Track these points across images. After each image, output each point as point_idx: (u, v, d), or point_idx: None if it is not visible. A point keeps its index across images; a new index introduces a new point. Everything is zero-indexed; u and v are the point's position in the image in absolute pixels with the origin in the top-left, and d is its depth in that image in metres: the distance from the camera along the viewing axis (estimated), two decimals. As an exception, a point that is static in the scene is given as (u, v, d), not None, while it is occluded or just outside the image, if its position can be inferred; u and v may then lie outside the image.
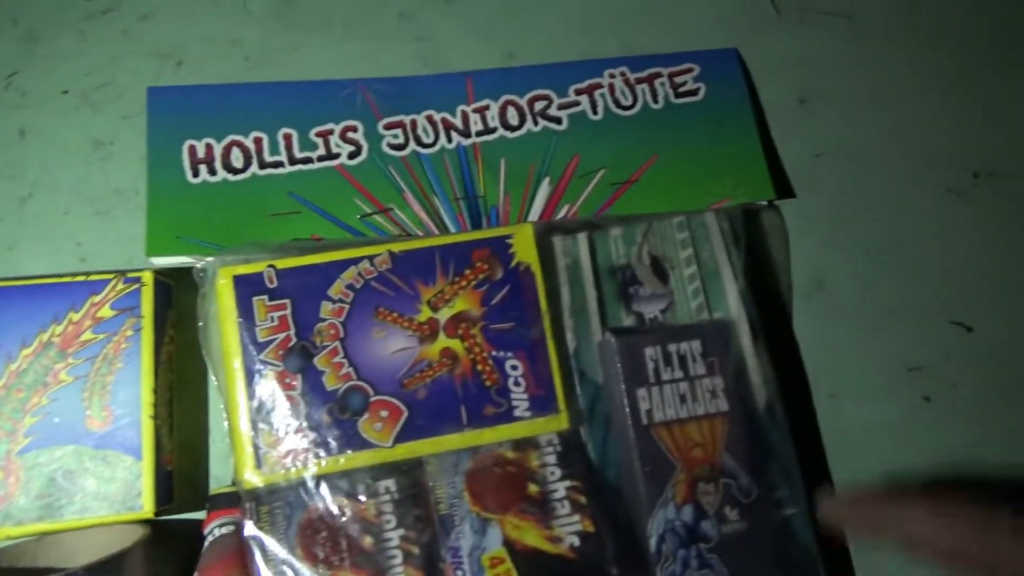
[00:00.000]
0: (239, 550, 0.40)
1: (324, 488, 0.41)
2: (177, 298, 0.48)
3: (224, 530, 0.42)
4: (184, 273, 0.47)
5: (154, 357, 0.43)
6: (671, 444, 0.43)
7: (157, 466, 0.42)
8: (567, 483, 0.42)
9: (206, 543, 0.42)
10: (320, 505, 0.41)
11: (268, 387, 0.41)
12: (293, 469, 0.40)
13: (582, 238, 0.48)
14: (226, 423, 0.41)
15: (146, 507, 0.41)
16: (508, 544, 0.41)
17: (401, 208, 0.50)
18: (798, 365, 0.51)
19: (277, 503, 0.41)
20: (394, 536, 0.41)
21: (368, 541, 0.41)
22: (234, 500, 0.42)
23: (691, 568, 0.42)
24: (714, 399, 0.44)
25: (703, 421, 0.44)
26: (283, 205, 0.49)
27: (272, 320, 0.42)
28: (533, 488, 0.42)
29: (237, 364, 0.41)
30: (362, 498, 0.41)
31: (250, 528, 0.40)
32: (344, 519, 0.41)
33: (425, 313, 0.43)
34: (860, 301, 0.54)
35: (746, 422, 0.45)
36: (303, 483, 0.41)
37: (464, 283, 0.44)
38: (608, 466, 0.44)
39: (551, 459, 0.43)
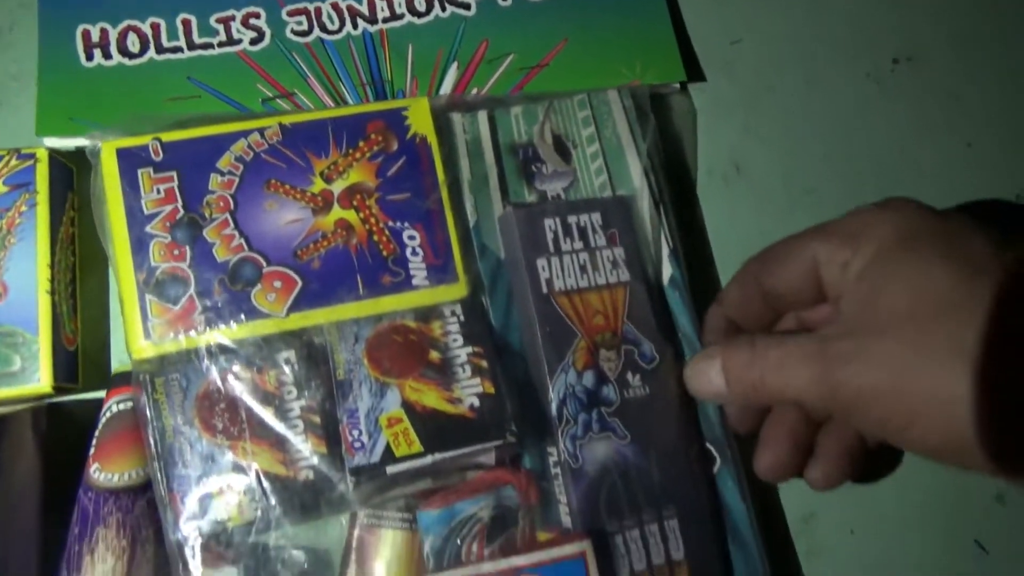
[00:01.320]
0: (136, 426, 0.40)
1: (222, 360, 0.41)
2: (79, 184, 0.47)
3: (122, 406, 0.41)
4: (86, 158, 0.46)
5: (50, 234, 0.42)
6: (572, 312, 0.43)
7: (55, 342, 0.41)
8: (469, 349, 0.42)
9: (103, 419, 0.41)
10: (217, 377, 0.41)
11: (156, 258, 0.41)
12: (183, 339, 0.40)
13: (482, 115, 0.47)
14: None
15: (43, 380, 0.41)
16: (406, 405, 0.40)
17: (305, 93, 0.49)
18: (705, 245, 0.51)
19: (173, 375, 0.40)
20: (295, 407, 0.41)
21: (269, 412, 0.41)
22: (131, 379, 0.41)
23: (592, 431, 0.42)
24: (615, 269, 0.44)
25: (604, 291, 0.44)
26: (182, 89, 0.48)
27: (158, 192, 0.41)
28: (434, 355, 0.42)
29: (124, 236, 0.41)
30: (261, 369, 0.41)
31: (144, 400, 0.40)
32: (243, 391, 0.40)
33: (318, 185, 0.43)
34: (777, 186, 0.54)
35: (648, 293, 0.44)
36: (198, 354, 0.40)
37: (358, 155, 0.43)
38: (511, 336, 0.44)
39: (454, 327, 0.42)
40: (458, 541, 0.40)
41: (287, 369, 0.41)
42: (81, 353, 0.45)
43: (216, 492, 0.40)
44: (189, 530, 0.39)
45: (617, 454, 0.42)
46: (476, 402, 0.41)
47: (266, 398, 0.41)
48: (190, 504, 0.39)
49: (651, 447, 0.43)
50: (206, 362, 0.41)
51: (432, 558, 0.40)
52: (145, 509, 0.39)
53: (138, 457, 0.40)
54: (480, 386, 0.41)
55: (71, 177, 0.46)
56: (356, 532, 0.42)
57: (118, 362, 0.46)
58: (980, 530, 0.48)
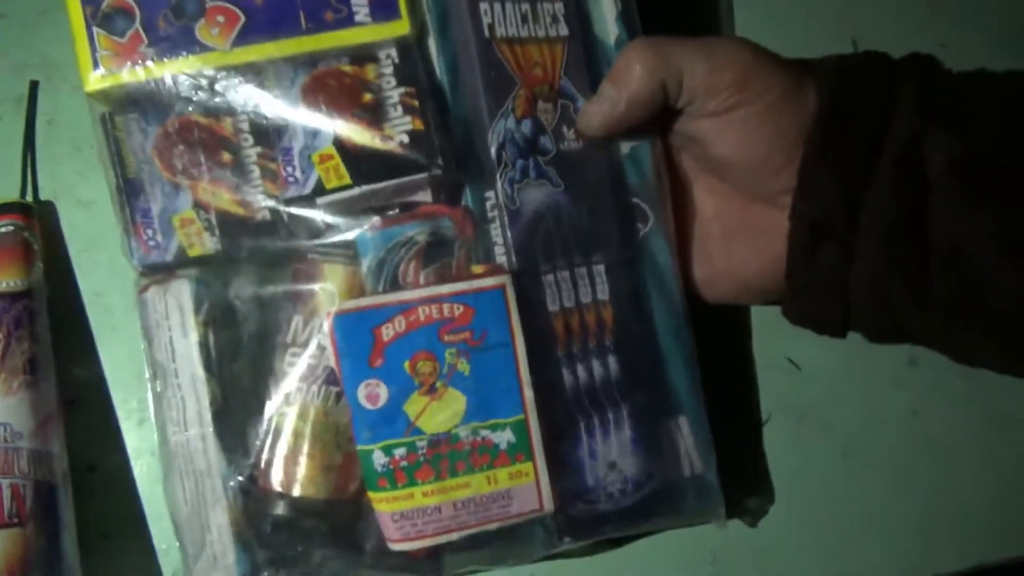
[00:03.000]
0: (15, 246, 0.47)
1: (179, 104, 0.42)
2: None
3: (3, 230, 0.48)
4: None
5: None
6: (512, 60, 0.43)
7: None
8: (401, 90, 0.43)
9: None
10: (176, 120, 0.42)
11: (101, -6, 0.42)
12: (131, 72, 0.42)
13: None
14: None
15: None
16: (337, 143, 0.42)
17: None
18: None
19: (132, 115, 0.43)
20: (252, 153, 0.43)
21: (226, 157, 0.43)
22: (14, 208, 0.48)
23: (530, 176, 0.43)
24: (555, 24, 0.44)
25: (543, 43, 0.44)
26: None
27: (105, -73, 0.42)
28: (367, 96, 0.43)
29: (69, -29, 0.42)
30: (219, 116, 0.43)
31: (104, 136, 0.43)
32: (200, 135, 0.42)
33: (261, -78, 0.43)
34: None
35: (587, 50, 0.45)
36: (154, 94, 0.42)
37: None
38: (453, 79, 0.44)
39: (388, 70, 0.43)
40: (395, 260, 0.42)
41: (243, 116, 0.43)
42: None
43: (177, 224, 0.42)
44: (152, 256, 0.42)
45: (551, 200, 0.43)
46: (405, 139, 0.42)
47: (223, 143, 0.43)
48: (152, 233, 0.42)
49: (582, 198, 0.44)
50: (164, 104, 0.43)
51: (370, 277, 0.42)
52: (22, 312, 0.46)
53: (16, 269, 0.47)
54: (410, 124, 0.42)
55: None
56: (299, 267, 0.44)
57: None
58: (791, 350, 0.53)
